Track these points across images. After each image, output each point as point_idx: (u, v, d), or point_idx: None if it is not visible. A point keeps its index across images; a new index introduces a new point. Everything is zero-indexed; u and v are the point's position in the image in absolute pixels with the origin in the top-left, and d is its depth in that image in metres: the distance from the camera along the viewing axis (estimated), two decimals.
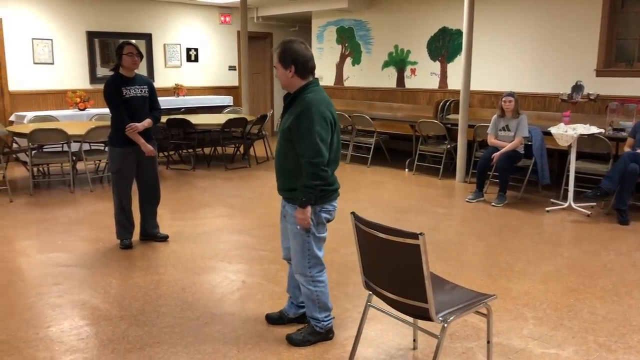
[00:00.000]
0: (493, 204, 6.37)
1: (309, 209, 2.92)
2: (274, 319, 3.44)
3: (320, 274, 3.12)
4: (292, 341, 3.18)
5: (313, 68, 2.98)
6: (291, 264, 3.22)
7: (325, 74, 11.29)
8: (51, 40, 9.33)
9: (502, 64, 8.51)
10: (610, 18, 7.38)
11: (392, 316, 2.84)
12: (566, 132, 5.95)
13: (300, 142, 2.87)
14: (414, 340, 3.19)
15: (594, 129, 6.00)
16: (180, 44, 10.97)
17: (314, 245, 3.05)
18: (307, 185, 2.86)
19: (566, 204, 6.13)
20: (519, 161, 6.55)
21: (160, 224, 5.10)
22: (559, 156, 7.39)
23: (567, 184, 6.28)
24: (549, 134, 6.24)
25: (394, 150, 9.39)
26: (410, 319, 2.85)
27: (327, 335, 3.22)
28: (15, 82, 9.02)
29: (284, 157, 3.00)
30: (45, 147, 7.35)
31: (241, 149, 9.41)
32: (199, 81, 11.33)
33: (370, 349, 3.15)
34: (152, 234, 5.01)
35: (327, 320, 3.19)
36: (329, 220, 3.11)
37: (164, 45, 10.73)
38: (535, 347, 3.18)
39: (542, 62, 8.05)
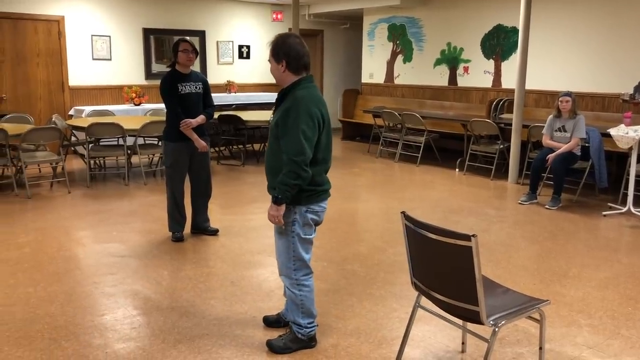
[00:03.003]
0: (547, 206, 6.19)
1: (283, 207, 2.82)
2: (270, 322, 3.36)
3: (306, 277, 3.01)
4: (272, 347, 3.06)
5: (307, 64, 2.88)
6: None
7: (375, 71, 11.24)
8: (109, 37, 9.62)
9: (559, 63, 8.25)
10: None
11: (441, 318, 2.80)
12: (627, 134, 5.72)
13: (285, 138, 2.78)
14: (463, 343, 3.13)
15: None
16: (232, 41, 11.12)
17: (299, 246, 2.94)
18: (284, 183, 2.75)
19: (625, 209, 5.90)
20: (575, 163, 6.34)
21: (210, 218, 5.19)
22: (617, 159, 7.12)
23: (626, 188, 6.05)
24: (608, 135, 6.02)
25: (445, 150, 9.25)
26: (460, 322, 2.80)
27: (309, 343, 3.08)
28: (75, 77, 9.34)
29: (273, 154, 2.90)
30: (102, 140, 7.59)
31: None
32: (250, 78, 11.46)
33: (418, 350, 3.11)
34: (203, 228, 5.10)
35: (310, 327, 3.07)
36: (317, 223, 3.00)
37: (217, 42, 10.90)
38: (589, 355, 3.08)
39: (602, 60, 7.77)
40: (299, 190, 2.82)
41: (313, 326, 3.10)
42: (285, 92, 2.90)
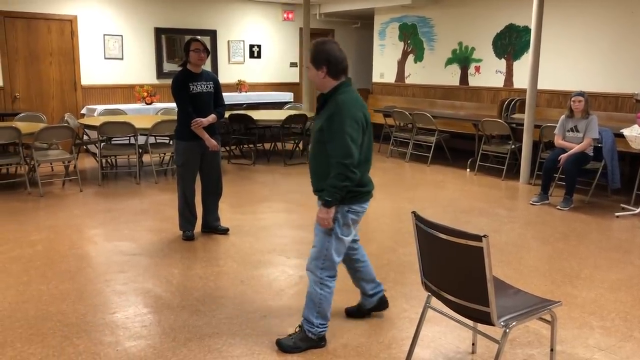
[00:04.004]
0: (558, 207, 6.15)
1: (332, 209, 2.89)
2: (351, 313, 3.47)
3: (330, 279, 3.04)
4: (281, 347, 3.08)
5: (345, 69, 2.96)
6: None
7: (386, 71, 11.22)
8: (121, 36, 9.67)
9: (571, 62, 8.19)
10: None
11: (451, 318, 2.79)
12: None
13: (331, 143, 2.85)
14: (473, 344, 3.12)
15: None
16: (243, 41, 11.14)
17: (333, 247, 2.99)
18: (334, 186, 2.82)
19: (638, 210, 5.85)
20: (587, 163, 6.29)
21: (221, 217, 5.20)
22: (630, 159, 7.06)
23: (639, 189, 5.99)
24: (621, 135, 5.97)
25: (456, 150, 9.22)
26: (470, 322, 2.79)
27: (318, 342, 3.10)
28: (87, 77, 9.40)
29: (317, 158, 2.98)
30: (114, 139, 7.64)
31: (300, 145, 9.47)
32: (261, 77, 11.48)
33: (428, 351, 3.10)
34: (213, 227, 5.12)
35: (321, 328, 3.09)
36: (355, 223, 3.05)
37: (228, 41, 10.92)
38: (601, 357, 3.05)
39: (615, 59, 7.70)
40: None
41: (324, 327, 3.11)
42: (327, 98, 2.97)
